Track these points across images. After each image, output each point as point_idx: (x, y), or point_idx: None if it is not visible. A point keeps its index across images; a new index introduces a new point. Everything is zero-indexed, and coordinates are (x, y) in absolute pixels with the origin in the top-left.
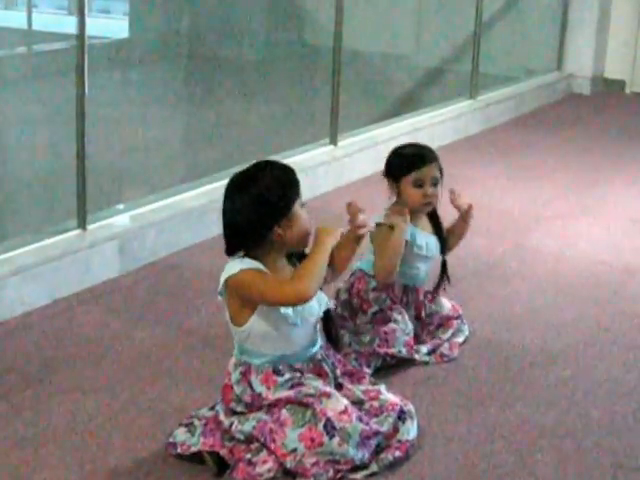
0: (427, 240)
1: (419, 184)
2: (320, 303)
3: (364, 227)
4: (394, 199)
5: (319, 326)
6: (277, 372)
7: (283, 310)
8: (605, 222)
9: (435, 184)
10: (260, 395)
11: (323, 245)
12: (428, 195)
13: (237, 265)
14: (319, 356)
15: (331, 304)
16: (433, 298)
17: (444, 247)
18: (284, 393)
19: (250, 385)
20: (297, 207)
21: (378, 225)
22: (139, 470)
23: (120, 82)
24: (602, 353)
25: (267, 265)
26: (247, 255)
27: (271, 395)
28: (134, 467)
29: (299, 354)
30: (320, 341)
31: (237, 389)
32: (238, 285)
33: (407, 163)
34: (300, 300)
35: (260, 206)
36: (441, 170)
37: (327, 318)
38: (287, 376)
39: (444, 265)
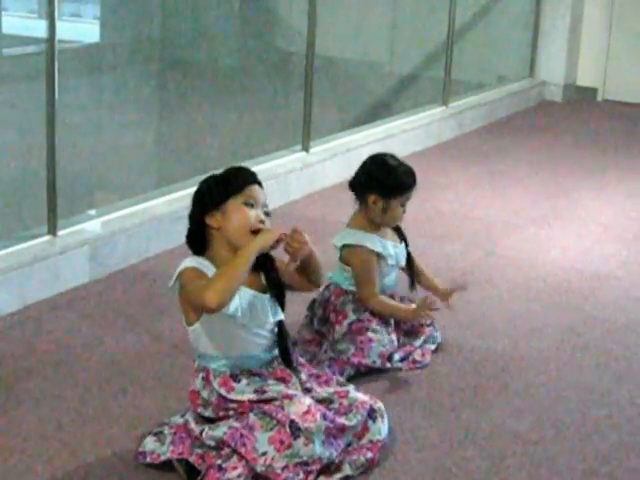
0: (395, 249)
1: (403, 204)
2: (273, 312)
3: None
4: (357, 210)
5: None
6: (234, 378)
7: (230, 311)
8: (577, 228)
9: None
10: (224, 397)
11: (248, 247)
12: (404, 213)
13: (186, 262)
14: (278, 360)
15: (282, 316)
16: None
17: (409, 255)
18: (246, 395)
19: (214, 388)
20: (235, 203)
21: (346, 247)
22: (110, 477)
23: (91, 87)
24: (574, 359)
25: (219, 265)
26: (203, 255)
27: (234, 396)
28: (105, 475)
29: (256, 358)
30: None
31: (203, 393)
32: (180, 284)
33: (405, 186)
34: (206, 309)
35: (194, 199)
36: None
37: (279, 330)
38: (244, 382)
39: (411, 267)
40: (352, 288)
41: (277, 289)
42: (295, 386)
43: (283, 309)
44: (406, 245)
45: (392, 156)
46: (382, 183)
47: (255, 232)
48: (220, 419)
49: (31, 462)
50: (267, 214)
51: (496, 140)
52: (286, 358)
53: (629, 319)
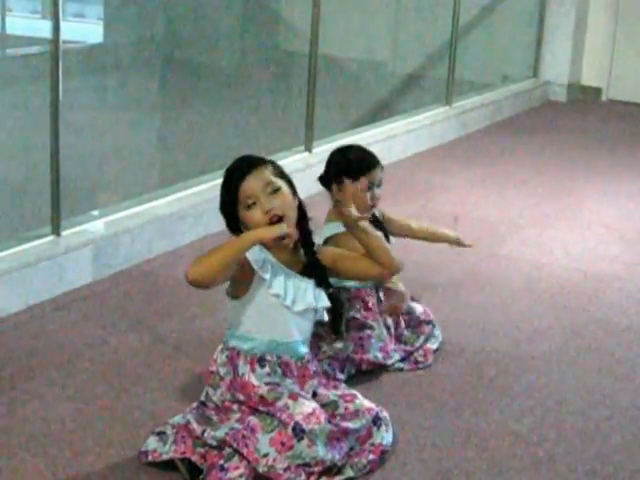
0: None
1: (370, 186)
2: (317, 298)
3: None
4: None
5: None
6: (261, 361)
7: (274, 290)
8: (580, 229)
9: (379, 186)
10: (242, 376)
11: (243, 238)
12: (375, 197)
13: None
14: (308, 357)
15: (327, 303)
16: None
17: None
18: (261, 382)
19: (235, 368)
20: (242, 212)
21: (327, 240)
22: (112, 477)
23: (94, 87)
24: (576, 360)
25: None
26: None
27: (251, 378)
28: (107, 474)
29: (291, 347)
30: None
31: (221, 370)
32: None
33: (360, 164)
34: (188, 281)
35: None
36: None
37: (332, 299)
38: (267, 369)
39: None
40: (342, 284)
41: (319, 276)
42: (309, 389)
43: (328, 288)
44: (386, 236)
45: (352, 146)
46: (337, 167)
47: (272, 222)
48: (223, 410)
49: (34, 461)
50: (275, 190)
51: (500, 140)
52: (336, 325)
53: (632, 321)
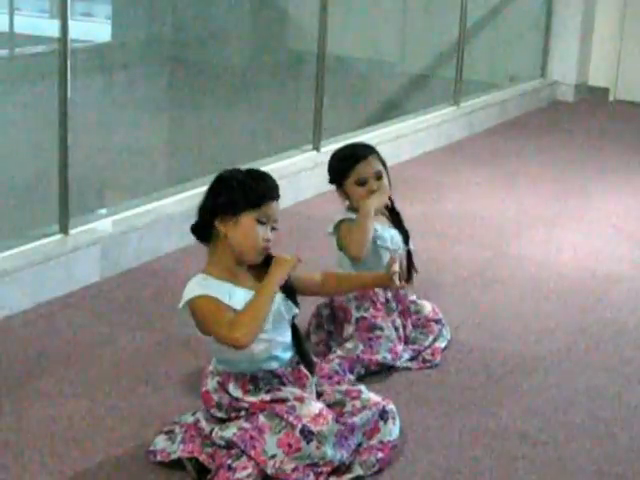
0: (390, 233)
1: (362, 182)
2: (288, 309)
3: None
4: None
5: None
6: (253, 381)
7: None
8: (588, 229)
9: (379, 177)
10: (237, 399)
11: (270, 282)
12: (374, 190)
13: (196, 288)
14: (295, 358)
15: (296, 310)
16: (408, 279)
17: (407, 238)
18: (260, 396)
19: (227, 392)
20: (248, 216)
21: (341, 222)
22: (120, 476)
23: (102, 86)
24: (585, 360)
25: (224, 271)
26: (208, 243)
27: (247, 397)
28: (115, 473)
29: (278, 358)
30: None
31: (215, 397)
32: (195, 312)
33: (343, 165)
34: (237, 348)
35: (210, 193)
36: (383, 162)
37: (294, 335)
38: (260, 385)
39: (410, 255)
40: None
41: (288, 288)
42: (310, 388)
43: (297, 306)
44: (401, 229)
45: (346, 145)
46: (329, 172)
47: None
48: (232, 420)
49: (42, 459)
50: (274, 229)
51: (507, 140)
52: (306, 361)
53: None
